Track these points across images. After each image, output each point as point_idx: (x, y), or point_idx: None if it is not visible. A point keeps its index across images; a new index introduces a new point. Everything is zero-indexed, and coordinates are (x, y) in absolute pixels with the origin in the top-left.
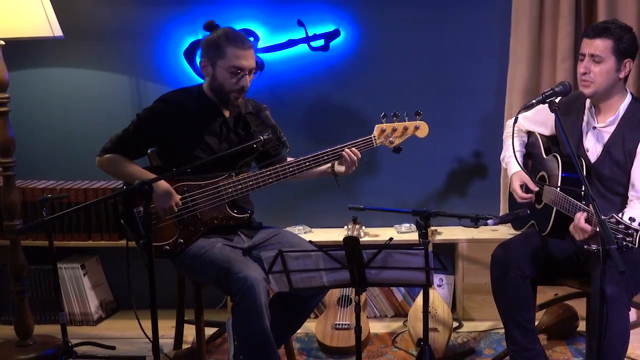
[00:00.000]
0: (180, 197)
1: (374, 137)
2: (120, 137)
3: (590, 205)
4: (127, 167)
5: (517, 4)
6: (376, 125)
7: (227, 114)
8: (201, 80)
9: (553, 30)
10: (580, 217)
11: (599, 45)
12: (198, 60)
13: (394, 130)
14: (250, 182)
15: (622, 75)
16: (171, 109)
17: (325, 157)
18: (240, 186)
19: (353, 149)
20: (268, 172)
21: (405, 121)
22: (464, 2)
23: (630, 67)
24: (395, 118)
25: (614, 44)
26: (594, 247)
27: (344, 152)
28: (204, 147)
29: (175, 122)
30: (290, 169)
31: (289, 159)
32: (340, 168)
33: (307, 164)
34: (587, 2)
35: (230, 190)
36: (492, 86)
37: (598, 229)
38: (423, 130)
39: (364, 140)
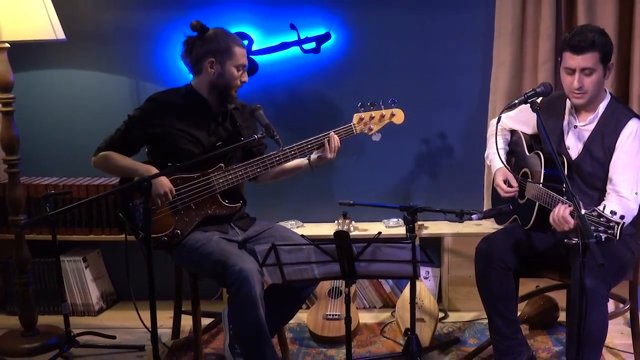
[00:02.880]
0: (174, 189)
1: (354, 125)
2: (113, 136)
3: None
4: (120, 161)
5: (500, 8)
6: (355, 114)
7: (214, 109)
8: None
9: (534, 33)
10: (562, 208)
11: (588, 59)
12: (194, 58)
13: (372, 117)
14: (240, 172)
15: (607, 78)
16: (160, 107)
17: (310, 146)
18: (230, 177)
19: (335, 135)
20: (256, 162)
21: (381, 109)
22: (450, 6)
23: (612, 68)
24: (372, 107)
25: (601, 54)
26: (573, 241)
27: (329, 135)
28: (193, 141)
29: (165, 119)
30: (277, 158)
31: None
32: (315, 156)
33: (293, 152)
34: (567, 5)
35: (221, 180)
36: (477, 87)
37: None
38: (399, 117)
39: (345, 128)
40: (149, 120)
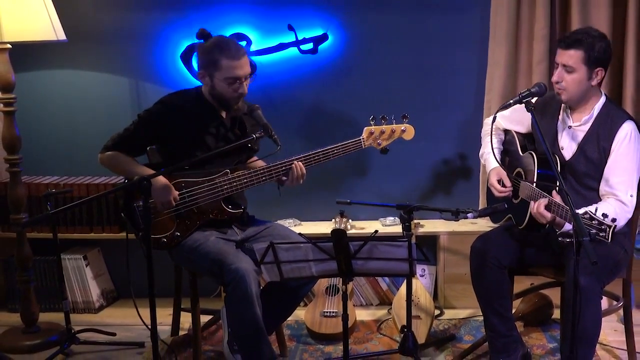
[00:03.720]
0: (178, 192)
1: (363, 139)
2: (121, 135)
3: (558, 197)
4: (127, 164)
5: (495, 9)
6: (365, 128)
7: (223, 114)
8: (198, 82)
9: (529, 34)
10: (540, 204)
11: (571, 56)
12: (196, 68)
13: (382, 132)
14: (245, 180)
15: (594, 82)
16: (170, 111)
17: (316, 157)
18: (235, 183)
19: (300, 163)
20: (262, 171)
21: (392, 124)
22: (446, 7)
23: (602, 75)
24: (383, 121)
25: (585, 54)
26: (567, 239)
27: (292, 165)
28: (202, 146)
29: (174, 123)
30: (283, 168)
31: (260, 163)
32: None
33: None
34: (561, 7)
35: (225, 186)
36: (472, 87)
37: (571, 223)
38: (409, 133)
39: (353, 142)
40: (157, 122)
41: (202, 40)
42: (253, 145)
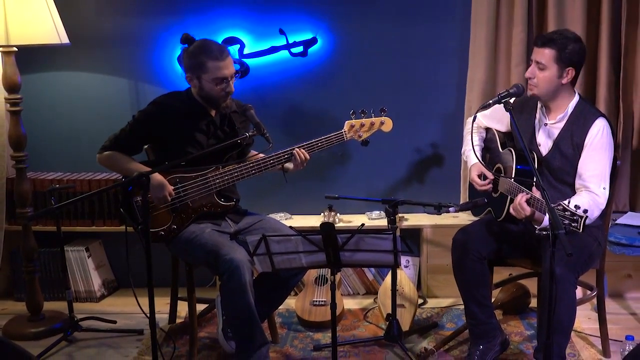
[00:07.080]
0: (173, 187)
1: (345, 132)
2: (117, 136)
3: (538, 193)
4: (124, 162)
5: (475, 15)
6: (346, 121)
7: (213, 113)
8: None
9: (507, 37)
10: (521, 198)
11: (544, 54)
12: (182, 72)
13: (362, 125)
14: (235, 174)
15: (564, 81)
16: (163, 111)
17: (303, 149)
18: (226, 177)
19: (303, 150)
20: (251, 164)
21: (371, 117)
22: (428, 13)
23: (572, 75)
24: (362, 114)
25: (557, 53)
26: (544, 232)
27: (294, 152)
28: (193, 143)
29: (167, 122)
30: (271, 161)
31: (259, 155)
32: (289, 165)
33: (286, 156)
34: (538, 12)
35: (217, 180)
36: (453, 88)
37: (547, 216)
38: (387, 125)
39: (336, 134)
40: (151, 122)
41: (186, 45)
42: (243, 141)
